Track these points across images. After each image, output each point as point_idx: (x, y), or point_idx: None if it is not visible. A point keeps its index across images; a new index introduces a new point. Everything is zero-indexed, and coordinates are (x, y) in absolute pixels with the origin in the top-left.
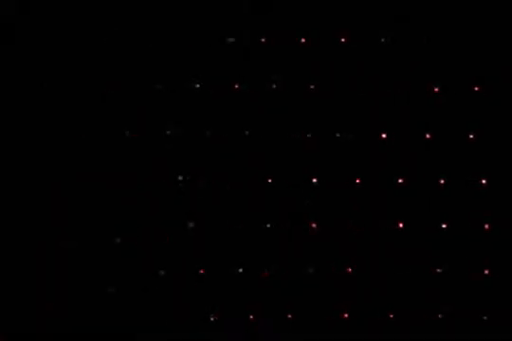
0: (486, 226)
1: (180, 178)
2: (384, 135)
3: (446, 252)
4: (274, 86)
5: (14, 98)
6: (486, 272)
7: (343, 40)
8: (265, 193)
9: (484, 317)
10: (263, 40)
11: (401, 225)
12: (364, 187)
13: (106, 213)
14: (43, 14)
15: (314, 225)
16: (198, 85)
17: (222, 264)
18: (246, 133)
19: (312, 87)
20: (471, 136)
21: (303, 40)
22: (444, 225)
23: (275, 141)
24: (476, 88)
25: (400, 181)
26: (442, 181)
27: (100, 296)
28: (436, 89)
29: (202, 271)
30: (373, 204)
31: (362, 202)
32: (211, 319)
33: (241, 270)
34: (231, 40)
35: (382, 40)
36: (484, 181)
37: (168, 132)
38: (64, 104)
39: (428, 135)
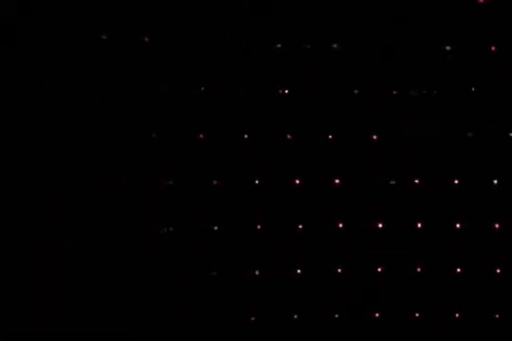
0: (497, 226)
1: (180, 179)
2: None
3: (460, 252)
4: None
5: (14, 98)
6: (498, 271)
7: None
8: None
9: (497, 316)
10: (262, 41)
11: (419, 226)
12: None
13: (106, 213)
14: (43, 14)
15: (341, 225)
16: (195, 87)
17: (225, 265)
18: (246, 136)
19: (310, 89)
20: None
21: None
22: (458, 225)
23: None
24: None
25: (416, 181)
26: (456, 181)
27: (100, 296)
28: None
29: (203, 272)
30: (391, 205)
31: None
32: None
33: (245, 271)
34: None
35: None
36: (495, 181)
37: (166, 133)
38: (64, 104)
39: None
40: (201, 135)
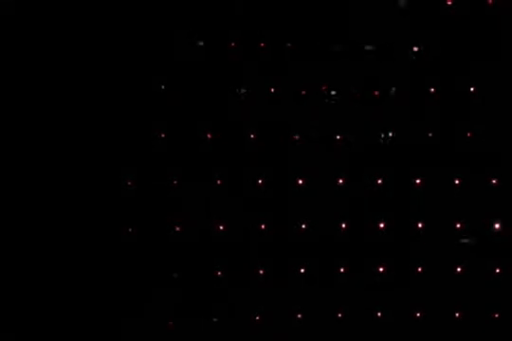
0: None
1: (185, 178)
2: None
3: (459, 251)
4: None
5: (14, 98)
6: (498, 270)
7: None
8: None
9: (496, 315)
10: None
11: (420, 226)
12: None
13: (103, 213)
14: (43, 14)
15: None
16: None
17: (230, 265)
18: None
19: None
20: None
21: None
22: (458, 225)
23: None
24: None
25: (418, 181)
26: (457, 181)
27: (100, 297)
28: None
29: (208, 271)
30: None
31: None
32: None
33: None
34: None
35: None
36: (494, 181)
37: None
38: (64, 104)
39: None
40: (208, 135)
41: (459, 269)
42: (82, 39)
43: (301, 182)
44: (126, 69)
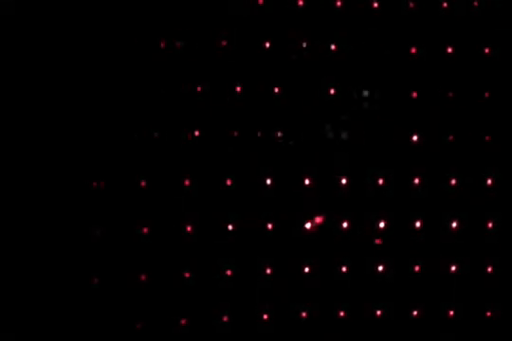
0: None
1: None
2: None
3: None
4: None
5: (14, 98)
6: (489, 269)
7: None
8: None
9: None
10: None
11: (418, 225)
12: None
13: (113, 212)
14: (43, 14)
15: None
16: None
17: (236, 264)
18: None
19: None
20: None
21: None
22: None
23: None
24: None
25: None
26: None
27: (107, 296)
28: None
29: (215, 271)
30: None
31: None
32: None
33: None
34: None
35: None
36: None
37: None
38: (64, 105)
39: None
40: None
41: (454, 268)
42: (84, 38)
43: (307, 182)
44: (128, 69)
